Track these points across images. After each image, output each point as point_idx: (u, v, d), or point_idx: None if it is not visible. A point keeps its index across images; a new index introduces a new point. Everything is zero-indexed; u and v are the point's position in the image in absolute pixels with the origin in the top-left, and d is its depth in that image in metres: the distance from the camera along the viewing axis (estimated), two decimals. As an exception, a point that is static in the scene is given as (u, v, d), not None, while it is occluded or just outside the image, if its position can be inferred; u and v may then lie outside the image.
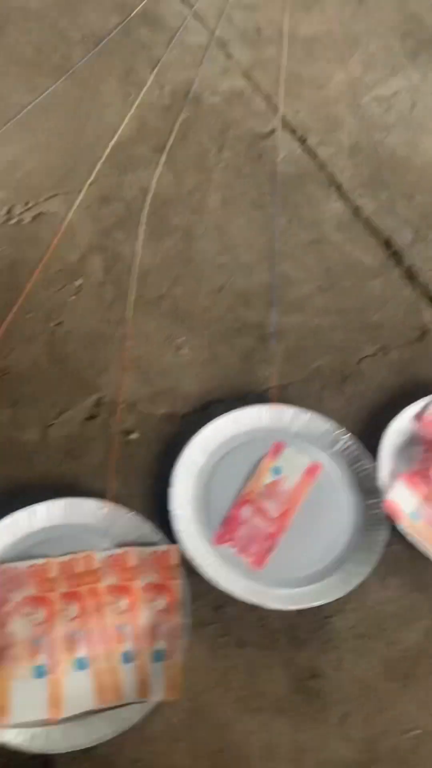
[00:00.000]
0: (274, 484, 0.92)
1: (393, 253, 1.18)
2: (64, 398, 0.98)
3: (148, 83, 1.35)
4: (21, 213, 1.15)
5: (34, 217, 1.15)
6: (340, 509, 0.92)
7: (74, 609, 0.78)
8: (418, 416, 0.99)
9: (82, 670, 0.76)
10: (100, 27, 1.45)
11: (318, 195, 1.24)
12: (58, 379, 1.00)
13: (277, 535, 0.88)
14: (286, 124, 1.33)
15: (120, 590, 0.80)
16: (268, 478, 0.93)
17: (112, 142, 1.24)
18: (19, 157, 1.22)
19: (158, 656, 0.78)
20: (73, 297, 1.07)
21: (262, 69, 1.43)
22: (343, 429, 0.96)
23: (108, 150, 1.23)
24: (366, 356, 1.06)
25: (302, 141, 1.31)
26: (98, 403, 0.98)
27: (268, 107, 1.36)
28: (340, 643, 0.83)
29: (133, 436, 0.94)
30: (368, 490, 0.92)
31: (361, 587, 0.85)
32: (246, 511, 0.90)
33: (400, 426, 0.98)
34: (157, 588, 0.81)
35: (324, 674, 0.81)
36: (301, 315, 1.09)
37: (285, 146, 1.30)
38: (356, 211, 1.23)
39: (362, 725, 0.79)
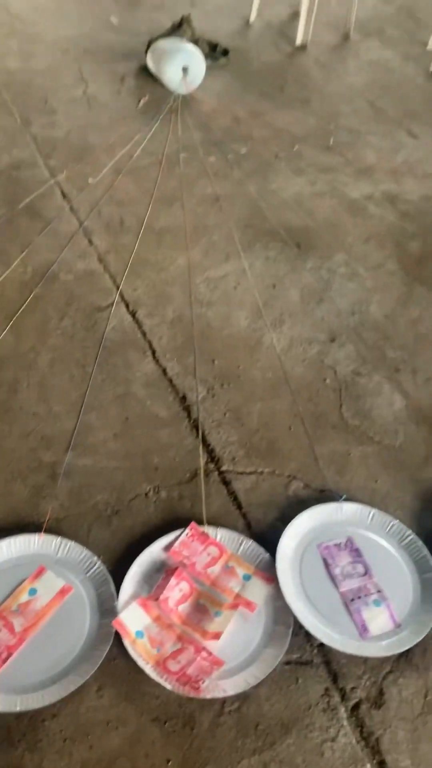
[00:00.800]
0: (27, 603, 1.10)
1: (185, 407, 1.42)
2: None
3: (15, 263, 1.67)
4: None
5: None
6: (79, 626, 1.08)
7: None
8: (167, 547, 1.18)
9: None
10: (-13, 218, 1.80)
11: (135, 358, 1.51)
12: None
13: (15, 647, 1.04)
14: (122, 300, 1.63)
15: None
16: (23, 598, 1.10)
17: (-31, 311, 1.53)
18: None
19: None
20: None
21: (116, 253, 1.76)
22: (98, 557, 1.14)
23: (-37, 316, 1.52)
24: (138, 494, 1.27)
25: (133, 314, 1.60)
26: None
27: (112, 285, 1.67)
28: (47, 745, 0.96)
29: None
30: (107, 610, 1.09)
31: (79, 696, 1.00)
32: (-5, 625, 1.06)
33: (151, 555, 1.17)
34: None
35: (25, 772, 0.94)
36: (92, 457, 1.31)
37: (117, 317, 1.59)
38: (164, 372, 1.48)
39: None
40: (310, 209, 2.04)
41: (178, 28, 2.64)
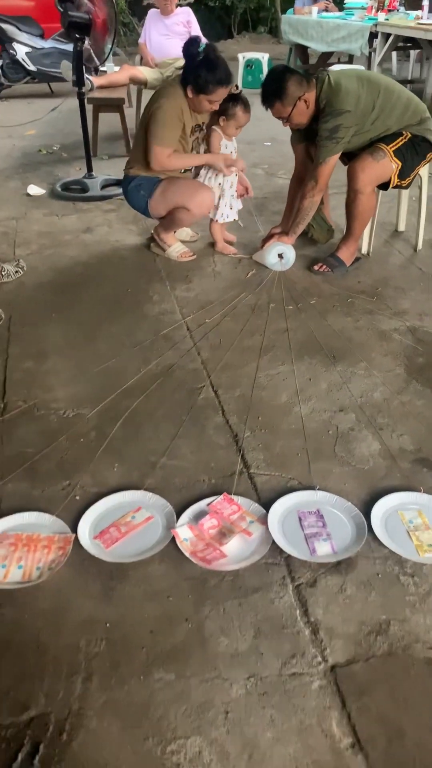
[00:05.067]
0: (130, 521, 2.03)
1: (235, 440, 2.34)
2: None
3: (152, 364, 2.78)
4: None
5: None
6: (153, 533, 1.98)
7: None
8: (209, 504, 2.06)
9: None
10: None
11: (211, 414, 2.48)
12: None
13: (119, 538, 1.96)
14: (210, 384, 2.65)
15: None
16: (128, 519, 2.04)
17: None
18: None
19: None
20: None
21: (212, 361, 2.81)
22: (169, 504, 2.06)
23: None
24: (199, 480, 2.18)
25: (215, 392, 2.61)
26: None
27: (206, 377, 2.70)
28: (130, 580, 1.84)
29: None
30: (170, 528, 1.99)
31: (150, 561, 1.88)
32: (112, 528, 2.01)
33: (199, 506, 2.05)
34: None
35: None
36: (176, 461, 2.26)
37: (205, 393, 2.60)
38: (227, 422, 2.44)
39: None
40: (350, 337, 2.98)
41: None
